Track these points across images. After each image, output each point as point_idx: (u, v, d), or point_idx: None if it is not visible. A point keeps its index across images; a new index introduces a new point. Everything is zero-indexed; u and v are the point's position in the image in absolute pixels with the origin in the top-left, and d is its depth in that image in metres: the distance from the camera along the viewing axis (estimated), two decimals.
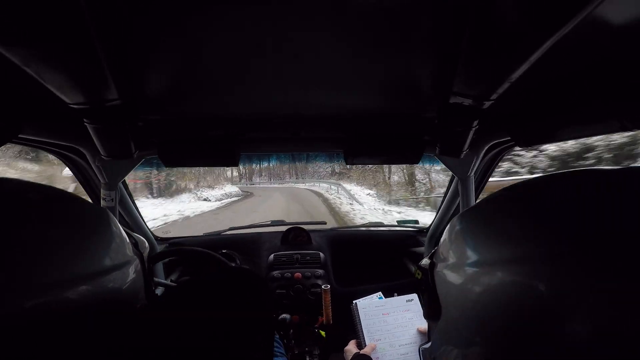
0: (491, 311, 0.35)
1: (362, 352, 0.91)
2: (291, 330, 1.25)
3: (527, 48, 0.48)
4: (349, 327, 1.04)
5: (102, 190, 1.23)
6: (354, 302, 1.05)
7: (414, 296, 1.04)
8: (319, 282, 1.48)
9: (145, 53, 0.58)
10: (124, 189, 1.37)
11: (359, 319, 1.00)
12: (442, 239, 0.53)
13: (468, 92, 0.67)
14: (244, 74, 0.68)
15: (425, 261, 0.60)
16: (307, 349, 1.37)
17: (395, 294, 1.08)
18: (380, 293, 1.12)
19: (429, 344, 0.57)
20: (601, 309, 0.27)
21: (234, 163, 1.13)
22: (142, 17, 0.47)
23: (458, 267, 0.43)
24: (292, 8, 0.46)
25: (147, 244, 0.70)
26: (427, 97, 0.83)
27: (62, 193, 0.47)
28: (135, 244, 0.63)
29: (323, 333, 1.29)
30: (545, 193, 0.39)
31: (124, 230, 0.56)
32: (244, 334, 0.50)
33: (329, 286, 1.19)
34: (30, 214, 0.39)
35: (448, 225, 0.52)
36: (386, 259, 1.75)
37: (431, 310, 0.53)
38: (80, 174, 1.29)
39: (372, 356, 0.90)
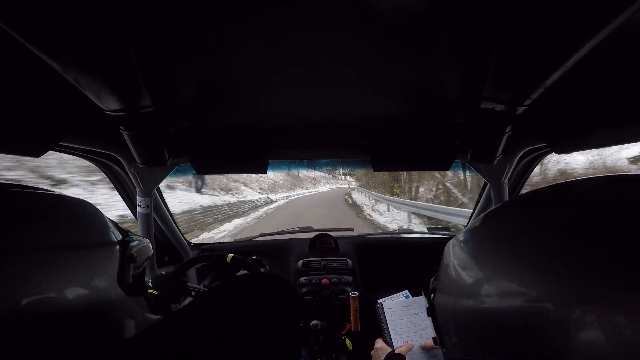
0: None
1: (397, 351, 0.87)
2: (321, 337, 1.25)
3: (562, 53, 0.45)
4: (377, 331, 1.03)
5: (137, 197, 1.27)
6: (378, 301, 1.03)
7: None
8: (347, 288, 1.48)
9: (176, 62, 0.60)
10: (158, 196, 1.42)
11: (385, 320, 0.98)
12: (442, 263, 0.50)
13: (499, 97, 0.66)
14: (271, 83, 0.70)
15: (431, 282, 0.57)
16: (334, 355, 1.36)
17: (423, 292, 1.05)
18: (407, 291, 1.09)
19: None
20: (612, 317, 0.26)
21: (262, 170, 1.16)
22: (173, 28, 0.49)
23: (462, 296, 0.40)
24: (318, 16, 0.47)
25: (147, 242, 0.75)
26: (457, 102, 0.82)
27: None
28: (124, 233, 0.67)
29: (349, 343, 1.28)
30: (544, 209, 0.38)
31: (108, 220, 0.63)
32: (270, 344, 0.50)
33: (356, 293, 1.19)
34: None
35: (446, 248, 0.49)
36: (416, 266, 1.71)
37: (439, 338, 0.51)
38: (116, 180, 1.34)
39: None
